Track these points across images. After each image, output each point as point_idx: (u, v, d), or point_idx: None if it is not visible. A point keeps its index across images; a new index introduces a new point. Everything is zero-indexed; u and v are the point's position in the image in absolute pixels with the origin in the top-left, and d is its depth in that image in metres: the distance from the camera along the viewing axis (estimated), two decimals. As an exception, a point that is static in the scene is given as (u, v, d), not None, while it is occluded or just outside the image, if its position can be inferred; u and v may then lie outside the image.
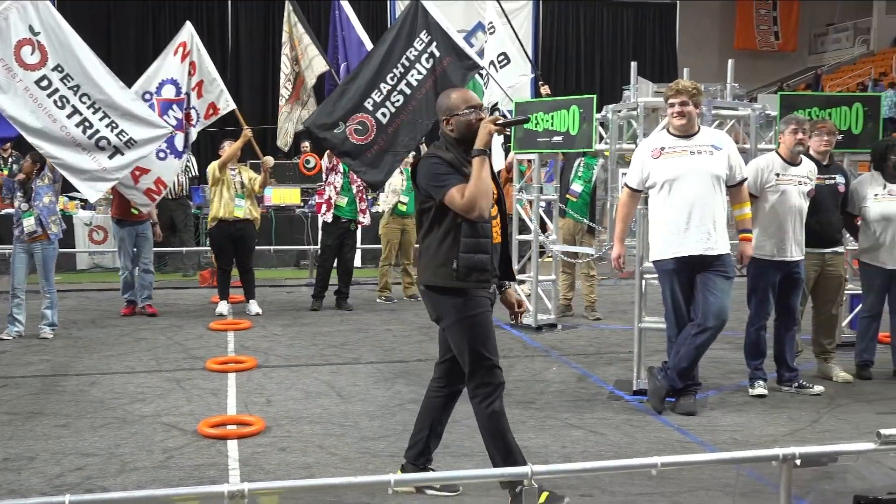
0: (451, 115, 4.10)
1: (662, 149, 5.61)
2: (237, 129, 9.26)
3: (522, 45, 11.89)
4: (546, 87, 11.43)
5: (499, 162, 10.64)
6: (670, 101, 5.58)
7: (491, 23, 11.88)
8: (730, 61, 7.23)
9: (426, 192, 4.07)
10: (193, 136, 9.25)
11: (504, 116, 4.14)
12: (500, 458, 4.12)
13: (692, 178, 5.51)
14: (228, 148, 9.07)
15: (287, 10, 9.61)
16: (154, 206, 9.25)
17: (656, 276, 5.99)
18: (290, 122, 9.81)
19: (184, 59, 9.06)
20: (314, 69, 9.58)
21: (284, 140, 9.68)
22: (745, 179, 5.82)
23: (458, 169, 4.01)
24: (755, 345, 6.25)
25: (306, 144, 16.31)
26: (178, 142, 8.99)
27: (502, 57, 11.45)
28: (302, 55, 9.51)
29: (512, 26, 11.44)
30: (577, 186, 8.93)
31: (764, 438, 5.24)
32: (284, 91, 9.80)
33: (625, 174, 6.63)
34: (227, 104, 9.10)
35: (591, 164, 8.89)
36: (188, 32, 9.17)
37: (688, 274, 5.60)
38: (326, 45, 10.94)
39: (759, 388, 6.19)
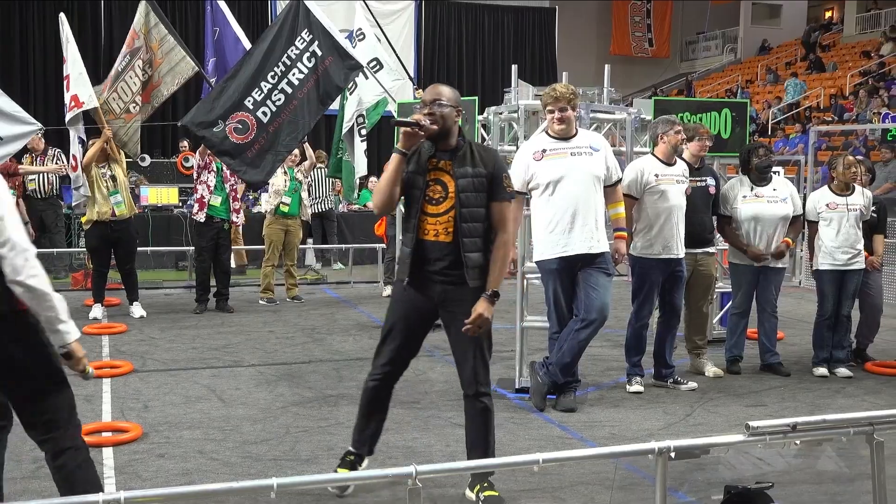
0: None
1: (544, 151, 5.71)
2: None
3: (395, 50, 11.89)
4: (420, 90, 11.45)
5: (361, 167, 10.58)
6: (549, 107, 5.67)
7: (360, 29, 11.79)
8: (606, 66, 7.41)
9: None
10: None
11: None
12: (355, 428, 4.46)
13: (574, 179, 5.63)
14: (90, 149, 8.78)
15: (144, 9, 9.08)
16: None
17: (537, 275, 6.09)
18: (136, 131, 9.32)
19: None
20: (179, 73, 9.16)
21: (134, 149, 9.23)
22: (620, 180, 5.98)
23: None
24: (637, 342, 6.41)
25: (184, 143, 15.92)
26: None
27: (374, 62, 11.40)
28: (162, 59, 9.07)
29: (384, 31, 11.39)
30: None
31: (640, 433, 5.39)
32: (139, 98, 9.28)
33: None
34: (90, 100, 8.76)
35: None
36: (59, 24, 8.90)
37: (570, 272, 5.72)
38: (197, 45, 10.60)
39: (636, 385, 6.37)
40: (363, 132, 10.81)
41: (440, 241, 4.07)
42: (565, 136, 5.71)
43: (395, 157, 4.03)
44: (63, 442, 3.46)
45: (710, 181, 6.81)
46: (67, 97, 8.76)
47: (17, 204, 9.11)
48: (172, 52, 9.00)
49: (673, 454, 3.42)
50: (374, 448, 4.50)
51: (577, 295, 5.74)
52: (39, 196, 11.63)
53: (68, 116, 8.79)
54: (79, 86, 8.71)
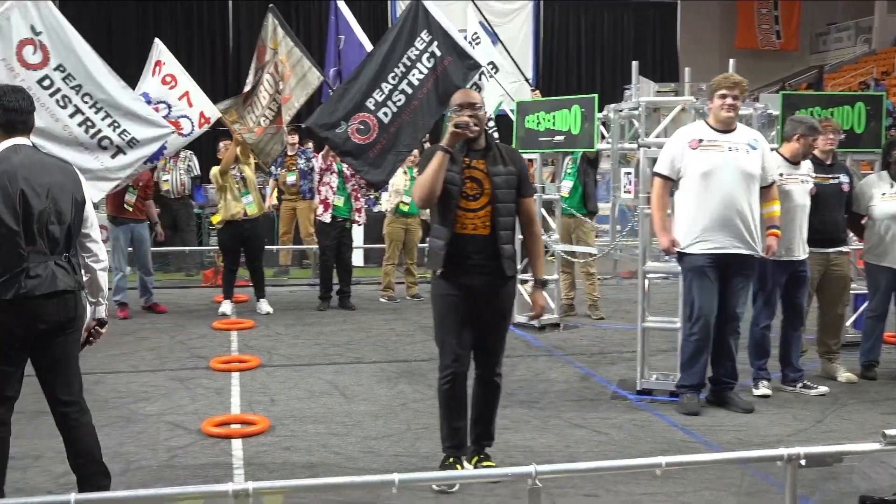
0: (450, 112, 4.50)
1: (701, 140, 5.61)
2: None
3: (509, 53, 11.92)
4: (536, 92, 11.41)
5: None
6: (721, 92, 5.59)
7: (476, 33, 11.86)
8: (731, 60, 7.21)
9: None
10: (181, 144, 9.17)
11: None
12: (444, 435, 4.55)
13: (727, 174, 5.52)
14: (225, 151, 9.08)
15: (272, 23, 9.26)
16: (154, 206, 9.28)
17: (658, 275, 5.97)
18: (276, 142, 9.53)
19: (156, 74, 8.97)
20: (308, 84, 9.32)
21: (266, 160, 9.49)
22: (775, 182, 5.82)
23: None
24: (760, 345, 6.23)
25: (309, 144, 16.28)
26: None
27: (491, 66, 11.43)
28: (290, 72, 9.24)
29: (496, 34, 11.41)
30: (566, 183, 8.97)
31: (768, 438, 5.23)
32: (269, 112, 9.50)
33: (628, 174, 6.62)
34: (212, 112, 9.02)
35: (576, 158, 8.94)
36: (158, 49, 9.09)
37: (715, 270, 5.62)
38: (321, 51, 10.77)
39: (763, 388, 6.17)
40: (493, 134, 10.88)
41: (479, 235, 4.34)
42: (727, 128, 5.62)
43: (440, 154, 4.28)
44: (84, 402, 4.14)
45: (844, 178, 6.54)
46: (193, 113, 8.98)
47: (147, 205, 9.53)
48: (299, 65, 9.20)
49: (803, 461, 3.32)
50: (467, 443, 4.62)
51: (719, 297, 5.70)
52: (173, 196, 12.14)
53: (197, 133, 9.02)
54: (202, 101, 8.98)
